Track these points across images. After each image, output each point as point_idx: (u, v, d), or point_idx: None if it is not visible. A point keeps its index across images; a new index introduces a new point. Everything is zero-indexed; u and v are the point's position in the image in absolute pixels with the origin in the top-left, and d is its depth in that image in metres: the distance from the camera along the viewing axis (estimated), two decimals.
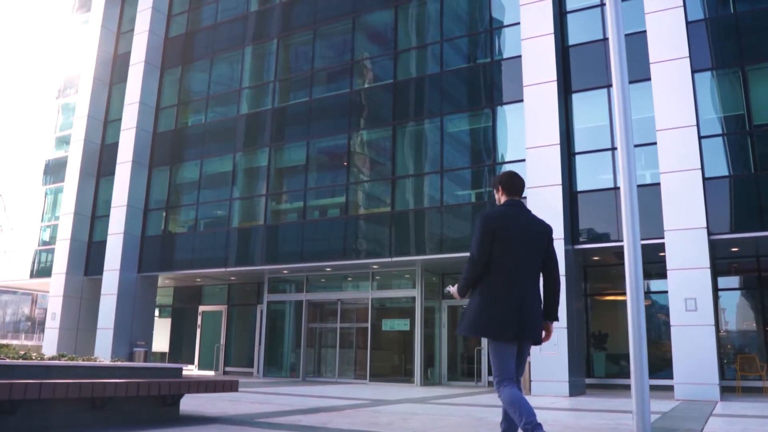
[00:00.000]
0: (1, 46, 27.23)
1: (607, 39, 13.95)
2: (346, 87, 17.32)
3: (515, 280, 3.93)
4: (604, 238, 13.11)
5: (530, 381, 12.68)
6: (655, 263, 15.26)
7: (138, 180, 19.88)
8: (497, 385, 3.91)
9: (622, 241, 11.87)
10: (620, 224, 12.83)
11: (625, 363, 15.52)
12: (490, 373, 16.38)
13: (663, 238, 12.16)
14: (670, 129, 12.38)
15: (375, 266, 16.53)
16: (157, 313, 23.23)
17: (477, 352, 16.77)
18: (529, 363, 12.80)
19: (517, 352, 3.95)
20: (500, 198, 4.29)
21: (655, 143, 12.77)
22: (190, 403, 8.37)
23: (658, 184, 12.51)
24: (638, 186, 13.08)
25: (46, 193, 22.99)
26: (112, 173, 20.45)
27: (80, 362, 5.88)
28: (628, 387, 14.88)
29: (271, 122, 18.40)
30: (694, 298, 11.51)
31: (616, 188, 13.13)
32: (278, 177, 18.14)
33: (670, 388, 14.39)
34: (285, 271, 17.96)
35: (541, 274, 4.15)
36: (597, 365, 15.67)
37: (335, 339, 17.89)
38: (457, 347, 17.45)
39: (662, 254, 13.75)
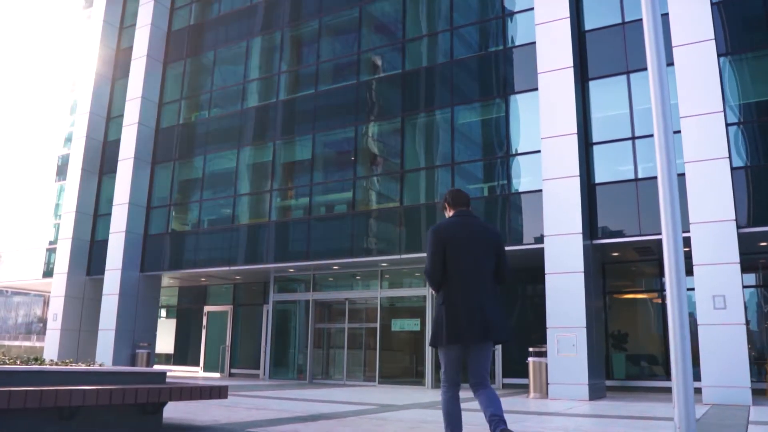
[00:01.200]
0: (13, 44, 26.89)
1: (626, 23, 13.24)
2: (353, 79, 16.69)
3: (472, 287, 4.09)
4: (625, 232, 12.38)
5: (547, 384, 11.98)
6: None
7: (140, 177, 19.36)
8: (442, 388, 4.15)
9: (643, 235, 11.16)
10: (641, 218, 12.12)
11: (645, 364, 14.78)
12: (504, 375, 15.71)
13: (688, 231, 11.41)
14: (695, 116, 11.62)
15: (384, 264, 15.89)
16: (163, 314, 22.77)
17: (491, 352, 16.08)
18: (546, 365, 12.11)
19: (479, 354, 4.09)
20: (448, 214, 4.45)
21: (677, 132, 12.03)
22: (179, 410, 7.77)
23: (682, 174, 11.75)
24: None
25: (58, 190, 22.52)
26: (115, 171, 19.94)
27: (49, 367, 5.29)
28: (649, 389, 14.14)
29: (275, 116, 17.81)
30: (722, 296, 10.77)
31: (637, 180, 12.41)
32: (284, 172, 17.54)
33: (697, 391, 13.67)
34: (291, 270, 17.37)
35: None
36: (617, 367, 14.93)
37: (343, 340, 17.27)
38: None
39: (686, 249, 13.02)
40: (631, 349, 14.99)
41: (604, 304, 15.08)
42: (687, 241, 11.87)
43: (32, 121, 24.57)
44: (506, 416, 4.11)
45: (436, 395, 12.45)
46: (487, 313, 4.05)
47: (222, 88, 19.25)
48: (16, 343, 41.69)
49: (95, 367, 5.69)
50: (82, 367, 5.62)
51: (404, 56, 15.96)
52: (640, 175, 12.42)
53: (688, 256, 14.07)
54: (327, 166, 16.79)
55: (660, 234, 10.89)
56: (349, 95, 16.63)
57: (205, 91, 19.62)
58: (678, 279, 4.10)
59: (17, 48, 26.37)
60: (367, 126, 16.19)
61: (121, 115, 20.57)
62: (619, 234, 12.43)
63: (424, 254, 14.58)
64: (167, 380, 6.55)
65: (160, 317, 22.80)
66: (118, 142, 20.20)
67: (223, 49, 19.57)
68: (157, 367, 21.80)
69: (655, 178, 12.57)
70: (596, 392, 11.96)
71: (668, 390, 14.04)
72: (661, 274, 14.83)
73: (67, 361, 6.51)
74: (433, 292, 4.59)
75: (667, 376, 14.32)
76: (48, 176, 23.07)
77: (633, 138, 12.60)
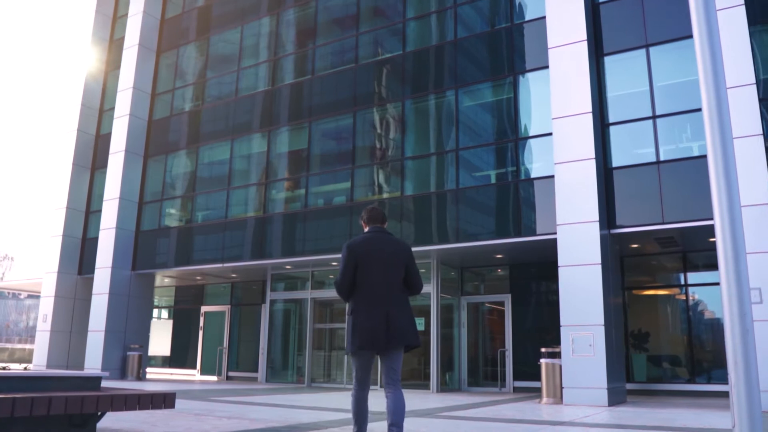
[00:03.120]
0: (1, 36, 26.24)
1: None
2: (352, 62, 15.69)
3: (379, 297, 4.43)
4: (645, 221, 11.23)
5: (561, 388, 10.88)
6: (700, 251, 13.36)
7: (132, 171, 18.49)
8: (352, 389, 4.52)
9: (666, 223, 9.96)
10: (664, 205, 10.99)
11: (668, 366, 13.62)
12: (516, 378, 14.64)
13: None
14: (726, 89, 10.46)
15: None
16: (164, 314, 21.89)
17: (501, 354, 15.01)
18: (560, 367, 11.02)
19: (390, 359, 4.45)
20: (365, 229, 4.78)
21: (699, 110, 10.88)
22: (134, 420, 6.78)
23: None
24: (684, 159, 11.25)
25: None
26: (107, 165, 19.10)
27: None
28: (672, 393, 12.98)
29: (270, 105, 16.85)
30: (758, 289, 9.61)
31: (659, 163, 11.28)
32: (279, 163, 16.56)
33: (724, 394, 12.49)
34: (288, 267, 16.39)
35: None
36: (637, 368, 13.79)
37: (343, 341, 16.25)
38: (480, 349, 15.69)
39: (712, 239, 11.86)
40: (652, 350, 13.84)
41: (624, 301, 13.96)
42: (713, 230, 10.73)
43: (26, 115, 23.84)
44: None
45: (441, 400, 11.39)
46: (392, 321, 4.40)
47: (215, 77, 18.33)
48: (27, 346, 41.18)
49: (10, 372, 4.71)
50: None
51: (405, 36, 14.92)
52: (662, 158, 11.29)
53: (711, 249, 12.92)
54: (324, 156, 15.78)
55: (684, 222, 9.71)
56: (347, 81, 15.64)
57: (198, 81, 18.71)
58: (737, 259, 3.07)
59: (6, 40, 25.68)
60: (366, 112, 15.18)
61: (114, 108, 19.73)
62: (640, 222, 11.29)
63: (427, 248, 13.65)
64: (112, 388, 5.56)
65: (156, 318, 21.93)
66: (110, 136, 19.36)
67: (216, 35, 18.66)
68: (150, 371, 20.93)
69: (679, 160, 11.51)
70: (616, 397, 10.84)
71: (692, 394, 12.86)
72: (685, 268, 13.67)
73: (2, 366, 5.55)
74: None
75: (692, 378, 13.15)
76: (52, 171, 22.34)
77: (654, 117, 11.48)
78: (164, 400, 5.10)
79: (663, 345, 13.82)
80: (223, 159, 17.43)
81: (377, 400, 10.03)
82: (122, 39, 20.58)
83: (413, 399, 11.49)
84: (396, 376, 4.44)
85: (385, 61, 15.16)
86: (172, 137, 18.65)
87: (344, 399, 11.33)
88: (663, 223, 10.98)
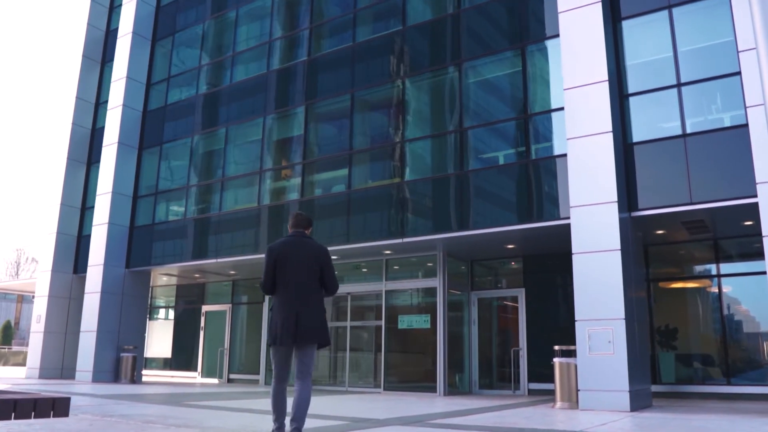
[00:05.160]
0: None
1: None
2: (349, 41, 14.63)
3: (292, 297, 4.80)
4: (671, 201, 9.94)
5: (577, 391, 9.65)
6: (733, 238, 12.00)
7: (125, 164, 17.64)
8: (271, 382, 4.91)
9: (694, 204, 8.55)
10: (692, 183, 9.71)
11: (699, 365, 12.27)
12: (530, 380, 13.43)
13: (754, 196, 8.99)
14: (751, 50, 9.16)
15: (387, 251, 13.76)
16: (165, 315, 21.09)
17: (514, 353, 13.79)
18: (575, 366, 9.79)
19: (300, 354, 4.79)
20: (290, 232, 5.12)
21: (736, 73, 9.61)
22: (60, 429, 5.77)
23: (745, 125, 9.33)
24: (713, 131, 9.93)
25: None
26: None
27: None
28: (703, 395, 11.64)
29: (266, 89, 15.87)
30: None
31: (685, 136, 9.99)
32: (275, 150, 15.56)
33: (763, 397, 11.13)
34: None
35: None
36: (665, 369, 12.47)
37: (345, 340, 15.19)
38: (493, 348, 14.49)
39: (748, 222, 10.54)
40: (681, 348, 12.51)
41: (649, 294, 12.65)
42: (750, 211, 9.44)
43: (18, 107, 23.24)
44: None
45: (446, 404, 10.26)
46: (300, 320, 4.71)
47: (211, 63, 17.41)
48: None
49: None
50: None
51: (405, 11, 13.81)
52: (688, 131, 10.00)
53: (747, 235, 11.57)
54: (321, 139, 14.74)
55: (715, 202, 8.34)
56: (344, 59, 14.58)
57: (193, 68, 17.82)
58: None
59: None
60: (362, 92, 14.09)
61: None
62: (664, 204, 10.00)
63: (431, 237, 12.45)
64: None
65: (157, 318, 21.11)
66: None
67: (211, 20, 17.75)
68: (150, 374, 20.07)
69: (708, 132, 10.17)
70: (640, 401, 9.58)
71: (727, 397, 11.50)
72: (717, 257, 12.31)
73: None
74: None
75: (727, 379, 11.79)
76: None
77: (678, 85, 10.19)
78: (53, 407, 4.05)
79: (693, 342, 12.48)
80: (218, 149, 16.50)
81: (374, 404, 8.94)
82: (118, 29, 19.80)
83: (414, 404, 10.37)
84: (305, 370, 4.77)
85: (382, 38, 14.06)
86: (167, 128, 17.78)
87: (333, 404, 10.25)
88: (690, 204, 9.70)
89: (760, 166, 8.80)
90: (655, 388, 11.82)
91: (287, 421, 4.73)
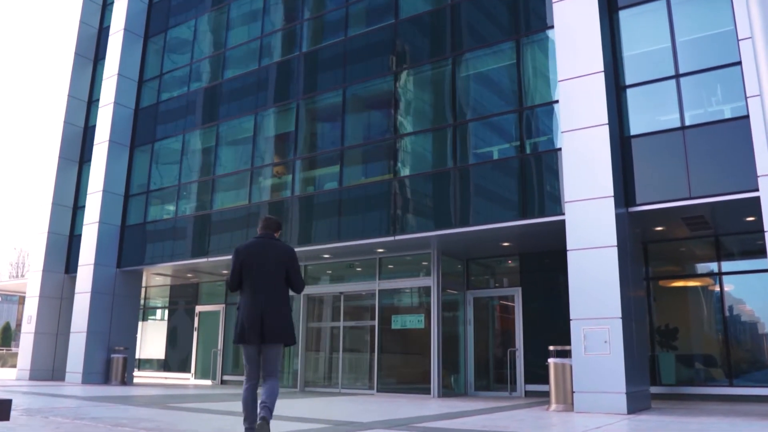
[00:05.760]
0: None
1: None
2: (341, 34, 14.33)
3: (257, 297, 4.89)
4: (669, 196, 9.59)
5: (572, 393, 9.31)
6: (735, 235, 11.65)
7: (116, 162, 17.36)
8: (244, 381, 4.92)
9: (693, 198, 8.14)
10: (691, 177, 9.38)
11: (701, 366, 11.92)
12: (527, 381, 13.09)
13: (756, 190, 8.64)
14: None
15: (380, 249, 13.44)
16: (159, 315, 20.81)
17: (511, 354, 13.46)
18: (571, 367, 9.46)
19: (266, 353, 4.89)
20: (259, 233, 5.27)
21: (737, 63, 9.27)
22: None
23: (746, 117, 8.99)
24: (713, 123, 9.56)
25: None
26: None
27: None
28: (705, 398, 11.28)
29: (258, 84, 15.58)
30: None
31: (684, 128, 9.65)
32: (268, 147, 15.26)
33: (765, 398, 10.77)
34: None
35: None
36: (665, 369, 12.11)
37: (338, 341, 14.87)
38: (489, 348, 14.15)
39: (750, 218, 10.20)
40: (682, 348, 12.15)
41: (649, 293, 12.30)
42: (751, 207, 9.09)
43: (9, 105, 23.01)
44: None
45: (439, 407, 9.94)
46: (265, 319, 4.82)
47: (205, 58, 17.13)
48: None
49: None
50: None
51: (397, 2, 13.50)
52: (688, 123, 9.66)
53: (748, 232, 11.21)
54: (312, 135, 14.44)
55: (715, 196, 7.98)
56: (337, 53, 14.28)
57: (185, 65, 17.54)
58: None
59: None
60: (354, 87, 13.79)
61: None
62: (662, 198, 9.66)
63: (424, 234, 12.11)
64: None
65: (150, 319, 20.84)
66: None
67: (204, 16, 17.48)
68: (144, 375, 19.79)
69: (707, 125, 9.83)
70: (638, 403, 9.24)
71: (729, 398, 11.14)
72: (719, 255, 11.95)
73: None
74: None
75: (729, 380, 11.43)
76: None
77: (677, 76, 9.85)
78: None
79: (694, 343, 12.13)
80: (209, 146, 16.22)
81: (364, 406, 8.62)
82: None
83: (406, 405, 10.05)
84: (271, 369, 4.90)
85: (375, 31, 13.76)
86: (159, 126, 17.50)
87: (323, 406, 9.93)
88: (690, 198, 9.35)
89: (762, 158, 8.46)
90: (654, 389, 11.48)
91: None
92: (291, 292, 5.20)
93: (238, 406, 9.32)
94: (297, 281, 5.05)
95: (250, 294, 4.88)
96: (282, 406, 9.63)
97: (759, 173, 8.45)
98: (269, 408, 4.59)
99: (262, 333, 4.77)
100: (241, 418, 4.83)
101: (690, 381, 11.83)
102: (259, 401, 4.68)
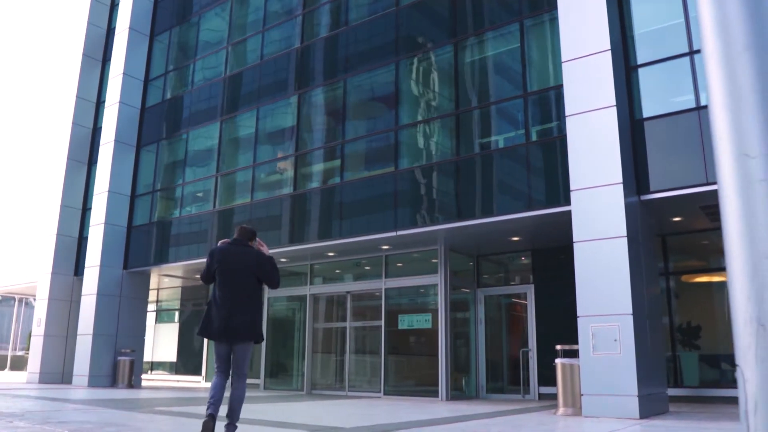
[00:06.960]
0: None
1: None
2: (342, 25, 13.86)
3: (226, 297, 5.09)
4: (685, 182, 8.88)
5: (581, 396, 8.65)
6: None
7: (122, 162, 17.16)
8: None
9: (710, 184, 7.47)
10: (708, 160, 8.63)
11: (727, 366, 11.10)
12: (541, 383, 12.43)
13: None
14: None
15: (385, 246, 12.92)
16: (170, 318, 20.59)
17: (524, 354, 12.79)
18: (578, 367, 8.80)
19: (235, 352, 5.10)
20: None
21: None
22: None
23: None
24: None
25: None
26: None
27: None
28: (731, 400, 10.47)
29: (256, 81, 15.20)
30: None
31: (699, 108, 8.93)
32: (267, 143, 14.86)
33: None
34: (283, 259, 14.62)
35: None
36: (687, 370, 11.33)
37: (345, 342, 14.36)
38: (502, 349, 13.51)
39: None
40: (706, 348, 11.36)
41: (668, 288, 11.55)
42: None
43: (18, 107, 23.06)
44: None
45: (448, 410, 9.39)
46: (231, 319, 5.02)
47: (208, 55, 16.82)
48: None
49: None
50: None
51: None
52: (703, 103, 8.94)
53: None
54: (314, 128, 13.98)
55: None
56: (336, 44, 13.81)
57: (189, 61, 17.25)
58: None
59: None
60: (353, 78, 13.29)
61: None
62: (677, 185, 8.94)
63: (429, 228, 11.48)
64: None
65: (163, 322, 20.62)
66: None
67: (209, 13, 17.18)
68: (155, 378, 19.55)
69: None
70: (652, 406, 8.53)
71: None
72: None
73: None
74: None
75: None
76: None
77: (690, 53, 9.13)
78: None
79: (720, 342, 11.32)
80: (211, 144, 15.89)
81: (362, 410, 8.09)
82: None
83: (407, 409, 9.50)
84: (239, 370, 5.11)
85: (372, 20, 13.25)
86: (165, 125, 17.25)
87: (318, 409, 9.44)
88: (707, 184, 8.62)
89: None
90: (676, 391, 10.73)
91: (224, 419, 5.04)
92: (270, 290, 5.23)
93: (243, 410, 8.89)
94: (270, 280, 5.27)
95: (219, 294, 5.10)
96: (274, 410, 9.16)
97: None
98: (234, 419, 4.96)
99: (225, 332, 4.97)
100: (222, 422, 4.97)
101: (715, 383, 11.04)
102: (227, 408, 4.99)
